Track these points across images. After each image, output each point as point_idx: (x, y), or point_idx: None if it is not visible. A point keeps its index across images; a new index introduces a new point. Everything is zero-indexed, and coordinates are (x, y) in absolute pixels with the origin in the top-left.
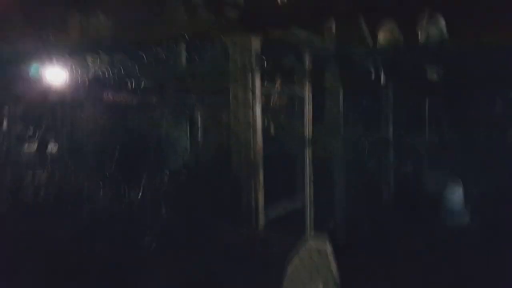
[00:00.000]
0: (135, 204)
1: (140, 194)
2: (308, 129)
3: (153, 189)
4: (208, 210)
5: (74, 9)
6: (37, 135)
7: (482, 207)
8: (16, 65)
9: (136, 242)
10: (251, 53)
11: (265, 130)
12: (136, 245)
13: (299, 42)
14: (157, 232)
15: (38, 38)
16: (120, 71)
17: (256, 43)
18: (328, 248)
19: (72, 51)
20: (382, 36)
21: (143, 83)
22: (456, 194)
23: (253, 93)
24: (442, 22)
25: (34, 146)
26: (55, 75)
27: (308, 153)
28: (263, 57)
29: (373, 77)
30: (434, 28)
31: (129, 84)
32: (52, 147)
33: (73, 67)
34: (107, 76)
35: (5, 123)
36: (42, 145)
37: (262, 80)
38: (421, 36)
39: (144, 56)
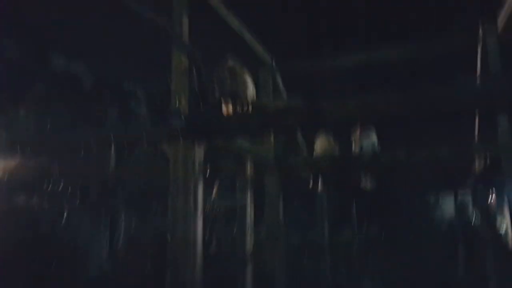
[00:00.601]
0: None
1: None
2: (249, 237)
3: None
4: None
5: None
6: None
7: None
8: None
9: None
10: (194, 162)
11: (206, 240)
12: None
13: (242, 151)
14: None
15: None
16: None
17: (199, 152)
18: None
19: None
20: (318, 147)
21: (61, 184)
22: None
23: (194, 201)
24: (374, 136)
25: None
26: None
27: (248, 263)
28: (206, 166)
29: (310, 184)
30: (367, 141)
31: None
32: None
33: None
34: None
35: None
36: None
37: (204, 188)
38: (355, 148)
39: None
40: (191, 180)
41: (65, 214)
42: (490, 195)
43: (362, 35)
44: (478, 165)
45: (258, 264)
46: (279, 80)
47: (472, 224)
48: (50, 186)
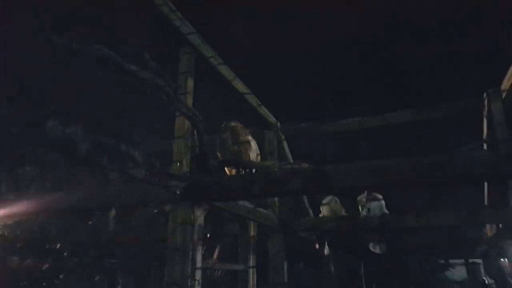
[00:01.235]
0: None
1: None
2: None
3: None
4: None
5: None
6: None
7: None
8: None
9: None
10: (194, 225)
11: None
12: None
13: (244, 214)
14: None
15: None
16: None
17: (199, 215)
18: None
19: None
20: (325, 209)
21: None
22: None
23: (192, 267)
24: (382, 200)
25: None
26: None
27: None
28: (206, 229)
29: (316, 247)
30: (374, 204)
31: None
32: None
33: None
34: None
35: None
36: None
37: (204, 252)
38: (362, 210)
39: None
40: (190, 245)
41: (61, 276)
42: (503, 262)
43: (378, 98)
44: (489, 231)
45: None
46: (285, 143)
47: None
48: (47, 247)
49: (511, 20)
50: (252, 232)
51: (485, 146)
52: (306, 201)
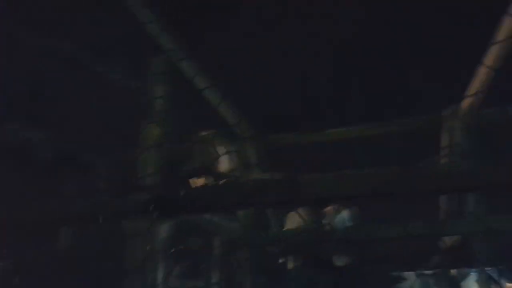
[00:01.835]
0: None
1: None
2: None
3: None
4: None
5: None
6: None
7: None
8: None
9: None
10: (158, 241)
11: None
12: None
13: (209, 227)
14: None
15: None
16: None
17: (163, 230)
18: None
19: None
20: (290, 221)
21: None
22: None
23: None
24: (347, 213)
25: None
26: None
27: None
28: (172, 243)
29: (280, 261)
30: (339, 216)
31: None
32: None
33: None
34: None
35: None
36: None
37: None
38: (327, 222)
39: None
40: (152, 260)
41: None
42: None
43: (343, 112)
44: (445, 243)
45: None
46: (256, 154)
47: None
48: None
49: (472, 38)
50: (217, 246)
51: (442, 161)
52: (269, 214)
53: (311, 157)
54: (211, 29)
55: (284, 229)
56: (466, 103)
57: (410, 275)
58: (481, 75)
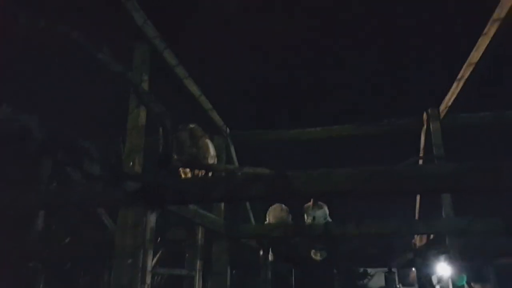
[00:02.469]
0: None
1: None
2: None
3: None
4: None
5: None
6: None
7: None
8: None
9: None
10: (146, 229)
11: None
12: None
13: (194, 218)
14: None
15: None
16: None
17: (151, 218)
18: None
19: None
20: (271, 215)
21: None
22: None
23: (143, 273)
24: (326, 209)
25: None
26: None
27: None
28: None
29: (261, 253)
30: (319, 212)
31: None
32: None
33: None
34: None
35: None
36: None
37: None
38: (307, 218)
39: None
40: (140, 248)
41: None
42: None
43: (319, 112)
44: (418, 241)
45: None
46: (232, 149)
47: None
48: None
49: (452, 43)
50: (200, 237)
51: (420, 163)
52: (248, 208)
53: (283, 154)
54: (191, 20)
55: (266, 222)
56: (445, 105)
57: (378, 272)
58: (461, 78)
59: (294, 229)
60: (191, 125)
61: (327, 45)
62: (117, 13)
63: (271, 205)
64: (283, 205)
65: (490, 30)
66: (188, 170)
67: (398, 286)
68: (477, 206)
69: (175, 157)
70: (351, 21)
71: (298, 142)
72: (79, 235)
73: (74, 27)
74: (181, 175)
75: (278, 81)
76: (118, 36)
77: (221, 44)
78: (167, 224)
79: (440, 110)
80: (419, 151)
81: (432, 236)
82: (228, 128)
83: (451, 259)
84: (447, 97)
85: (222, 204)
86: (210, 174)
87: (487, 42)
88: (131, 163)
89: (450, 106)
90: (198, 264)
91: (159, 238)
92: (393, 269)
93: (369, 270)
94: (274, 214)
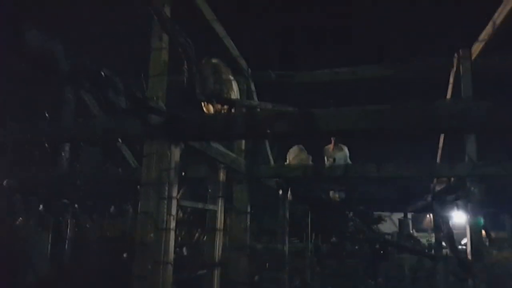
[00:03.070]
0: None
1: None
2: (218, 243)
3: None
4: None
5: None
6: None
7: None
8: None
9: None
10: (171, 162)
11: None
12: None
13: (217, 156)
14: None
15: None
16: None
17: (176, 153)
18: None
19: None
20: (291, 156)
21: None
22: None
23: (168, 206)
24: (346, 150)
25: None
26: None
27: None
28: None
29: (280, 193)
30: (339, 154)
31: None
32: None
33: None
34: None
35: None
36: None
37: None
38: (327, 160)
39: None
40: (166, 183)
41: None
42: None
43: (347, 52)
44: (437, 185)
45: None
46: (254, 91)
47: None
48: None
49: None
50: (221, 175)
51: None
52: (268, 148)
53: (306, 97)
54: None
55: (286, 163)
56: (476, 48)
57: (392, 216)
58: (494, 22)
59: (313, 170)
60: (214, 60)
61: None
62: None
63: (291, 147)
64: (302, 147)
65: None
66: (211, 106)
67: (412, 231)
68: (500, 152)
69: (198, 91)
70: None
71: (322, 83)
72: (104, 171)
73: None
74: (204, 111)
75: (303, 22)
76: None
77: None
78: (191, 162)
79: (472, 51)
80: (447, 94)
81: (452, 180)
82: (249, 69)
83: (470, 204)
84: (480, 39)
85: (243, 144)
86: (232, 110)
87: None
88: (155, 98)
89: (482, 48)
90: (220, 201)
91: (183, 173)
92: (408, 214)
93: (383, 214)
94: (294, 155)
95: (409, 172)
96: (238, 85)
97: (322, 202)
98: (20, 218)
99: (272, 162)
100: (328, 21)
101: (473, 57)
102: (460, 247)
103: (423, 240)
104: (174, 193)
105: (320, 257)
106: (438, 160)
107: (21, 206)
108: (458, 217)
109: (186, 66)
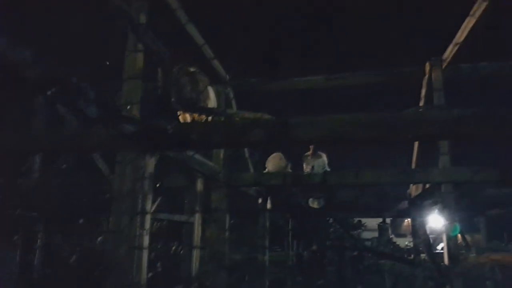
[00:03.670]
0: None
1: None
2: (195, 257)
3: None
4: None
5: None
6: None
7: None
8: None
9: None
10: (144, 173)
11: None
12: None
13: (194, 165)
14: None
15: None
16: None
17: (150, 163)
18: None
19: None
20: (270, 164)
21: None
22: None
23: (142, 218)
24: (325, 158)
25: None
26: None
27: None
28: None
29: (259, 201)
30: (318, 161)
31: None
32: None
33: None
34: None
35: None
36: None
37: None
38: (306, 168)
39: None
40: (139, 194)
41: None
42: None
43: (322, 60)
44: (413, 191)
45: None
46: (233, 99)
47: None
48: None
49: None
50: (199, 185)
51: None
52: (248, 156)
53: (282, 105)
54: None
55: (265, 171)
56: (448, 55)
57: (370, 222)
58: (465, 28)
59: (293, 178)
60: (192, 69)
61: None
62: None
63: (270, 155)
64: (282, 154)
65: None
66: (187, 115)
67: (391, 236)
68: (473, 157)
69: (174, 100)
70: None
71: (299, 91)
72: (75, 182)
73: None
74: (180, 120)
75: (280, 30)
76: None
77: None
78: (166, 171)
79: (443, 59)
80: (420, 101)
81: (427, 185)
82: (228, 76)
83: (445, 209)
84: (450, 47)
85: (221, 152)
86: (209, 119)
87: None
88: (128, 107)
89: (453, 56)
90: (197, 213)
91: (158, 184)
92: (387, 220)
93: (363, 220)
94: (273, 163)
95: (386, 178)
96: (216, 93)
97: (301, 209)
98: None
99: (251, 170)
100: (302, 31)
101: (444, 65)
102: (437, 251)
103: (402, 245)
104: (148, 206)
105: (301, 266)
106: (413, 166)
107: None
108: (435, 222)
109: (160, 75)
